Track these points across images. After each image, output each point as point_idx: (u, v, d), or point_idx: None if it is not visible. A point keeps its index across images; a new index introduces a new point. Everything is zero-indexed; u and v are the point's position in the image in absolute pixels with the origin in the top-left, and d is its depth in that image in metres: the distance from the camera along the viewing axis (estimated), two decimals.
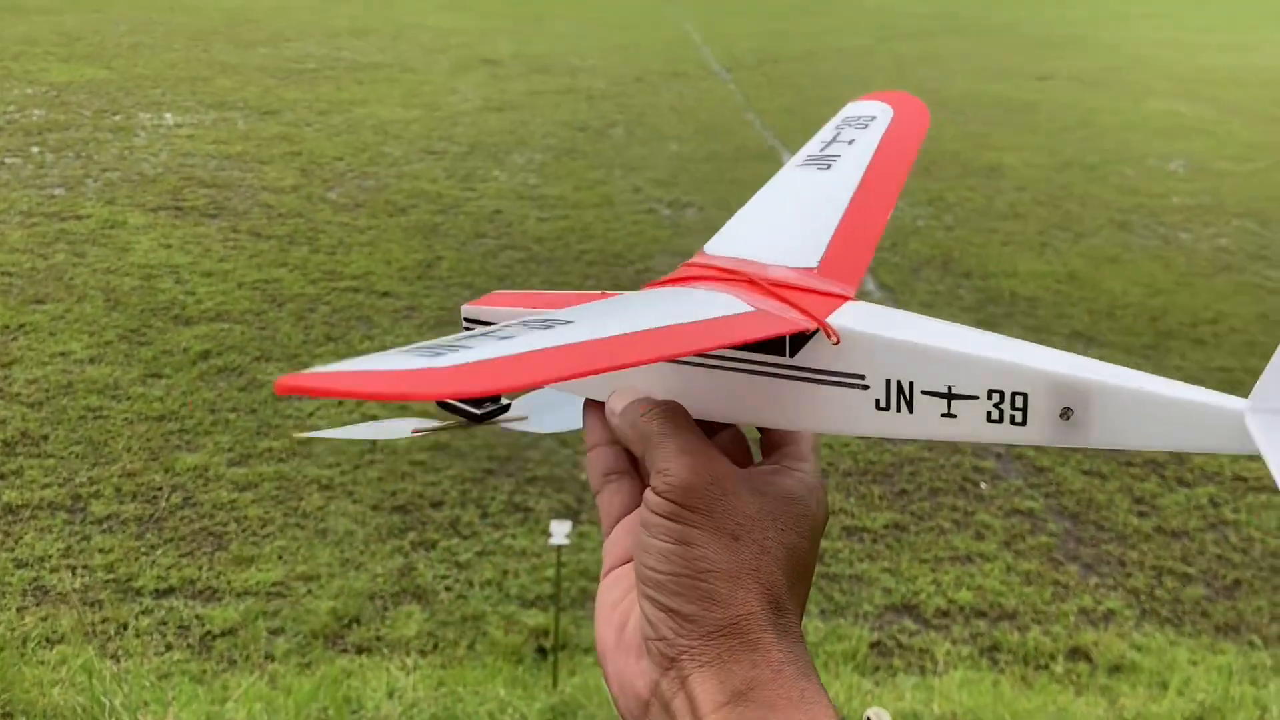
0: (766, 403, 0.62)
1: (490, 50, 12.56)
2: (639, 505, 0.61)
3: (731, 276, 0.64)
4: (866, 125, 0.88)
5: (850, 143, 0.85)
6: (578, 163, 7.67)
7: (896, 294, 5.14)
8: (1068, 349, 0.57)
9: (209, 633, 2.78)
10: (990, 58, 15.08)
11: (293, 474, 3.45)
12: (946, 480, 3.61)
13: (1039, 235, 6.29)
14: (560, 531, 2.46)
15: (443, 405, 0.67)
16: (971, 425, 0.56)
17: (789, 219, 0.74)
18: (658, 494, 0.57)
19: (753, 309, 0.60)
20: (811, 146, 0.86)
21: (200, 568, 3.01)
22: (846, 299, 0.62)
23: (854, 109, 0.92)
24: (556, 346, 0.53)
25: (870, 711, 1.64)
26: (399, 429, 0.72)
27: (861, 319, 0.60)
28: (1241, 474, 3.70)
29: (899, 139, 0.86)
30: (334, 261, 5.29)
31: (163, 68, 10.20)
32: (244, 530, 3.17)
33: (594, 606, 0.65)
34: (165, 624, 2.80)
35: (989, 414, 0.56)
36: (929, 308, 5.04)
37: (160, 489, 3.35)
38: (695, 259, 0.67)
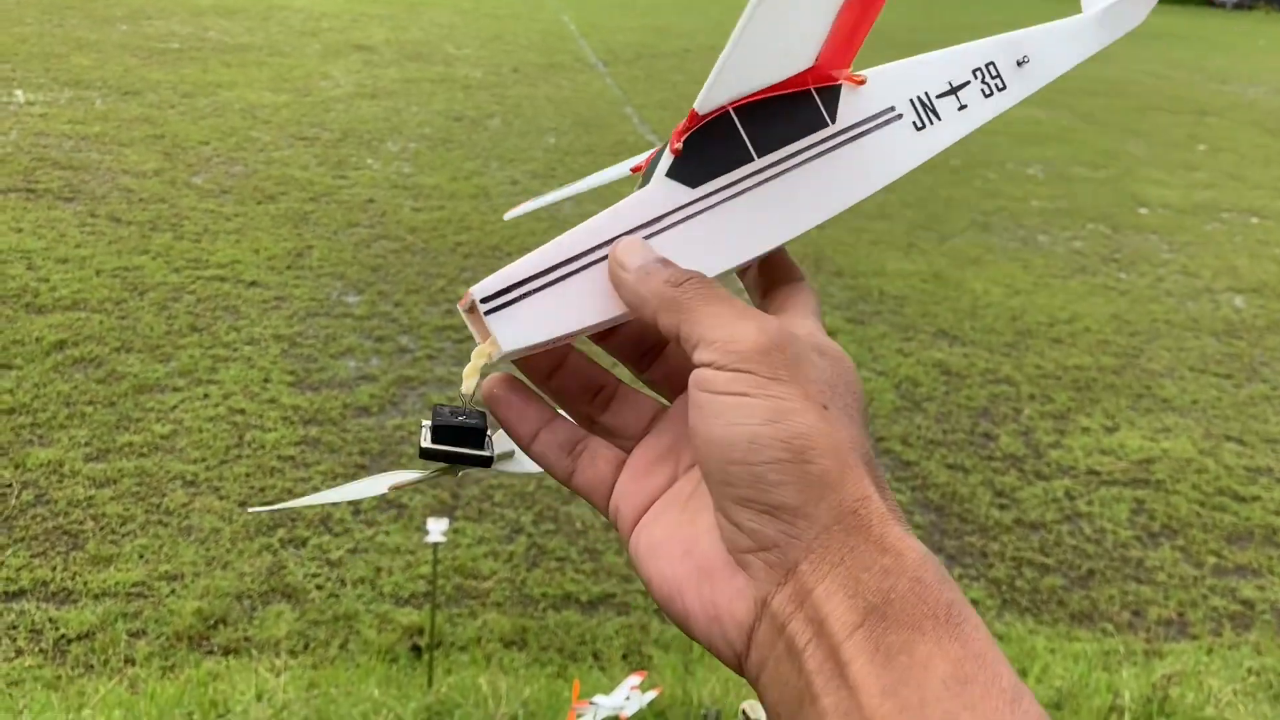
0: (825, 187, 0.60)
1: (363, 36, 12.30)
2: (619, 453, 0.56)
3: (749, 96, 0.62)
4: None
5: None
6: (454, 153, 7.58)
7: None
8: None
9: (64, 636, 2.66)
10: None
11: (155, 469, 3.32)
12: None
13: (906, 235, 6.47)
14: (437, 529, 2.42)
15: (424, 455, 0.58)
16: (978, 108, 0.66)
17: (771, 34, 0.68)
18: (725, 369, 0.46)
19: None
20: None
21: (54, 568, 2.87)
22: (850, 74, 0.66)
23: None
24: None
25: (745, 705, 1.65)
26: (374, 487, 0.61)
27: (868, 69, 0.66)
28: (1095, 468, 3.87)
29: None
30: (199, 249, 5.11)
31: (12, 42, 9.69)
32: (102, 529, 3.04)
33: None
34: (16, 628, 2.66)
35: (983, 91, 0.66)
36: None
37: (10, 486, 3.19)
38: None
